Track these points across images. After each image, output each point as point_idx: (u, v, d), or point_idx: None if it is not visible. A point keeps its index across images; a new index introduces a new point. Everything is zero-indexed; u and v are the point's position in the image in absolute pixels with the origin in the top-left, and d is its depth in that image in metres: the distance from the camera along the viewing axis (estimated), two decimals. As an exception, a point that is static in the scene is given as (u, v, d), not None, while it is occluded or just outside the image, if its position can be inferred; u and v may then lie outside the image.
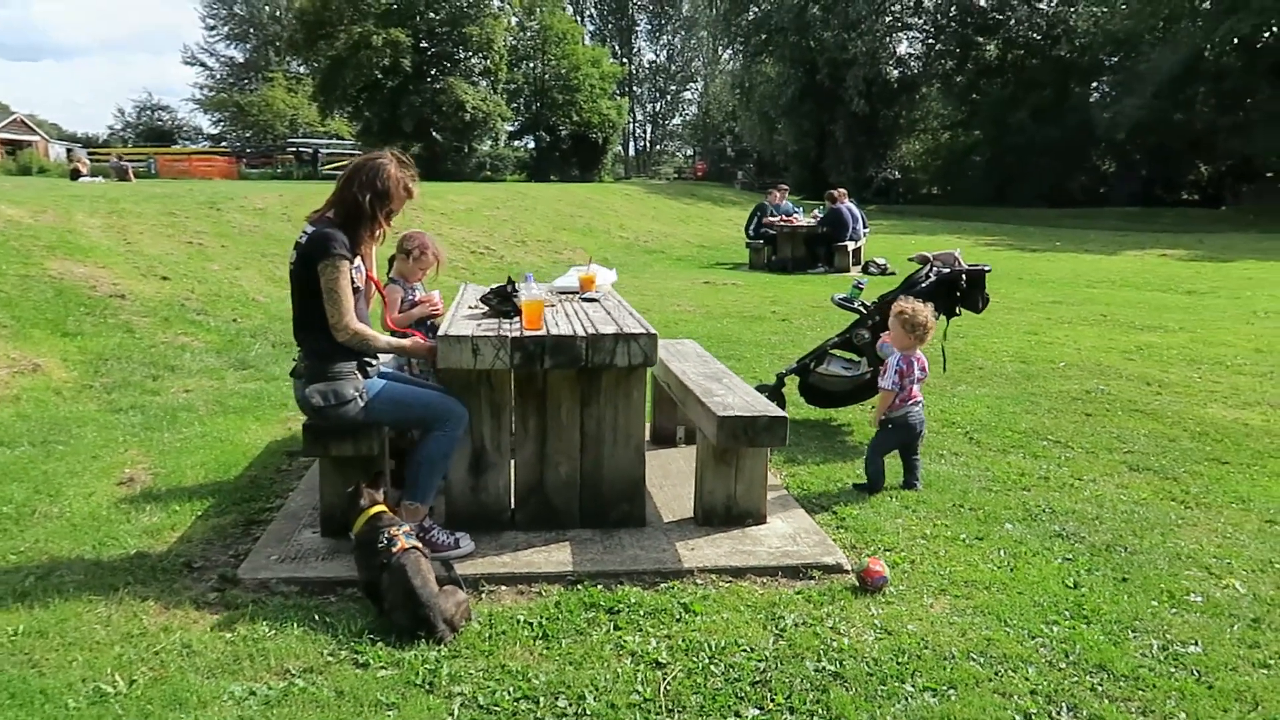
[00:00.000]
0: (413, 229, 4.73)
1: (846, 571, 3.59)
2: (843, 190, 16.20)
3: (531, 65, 44.86)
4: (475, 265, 13.45)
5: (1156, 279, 15.21)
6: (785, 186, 17.86)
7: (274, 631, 2.99)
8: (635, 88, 65.79)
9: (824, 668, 2.86)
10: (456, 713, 2.59)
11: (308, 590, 3.35)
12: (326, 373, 3.49)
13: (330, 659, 2.85)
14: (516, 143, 48.27)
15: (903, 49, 38.78)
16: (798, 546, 3.75)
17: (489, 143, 44.92)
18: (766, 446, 3.77)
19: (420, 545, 3.18)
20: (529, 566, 3.54)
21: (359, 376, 3.53)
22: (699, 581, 3.49)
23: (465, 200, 17.76)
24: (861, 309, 5.69)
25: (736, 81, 46.27)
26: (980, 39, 36.47)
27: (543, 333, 3.62)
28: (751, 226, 16.60)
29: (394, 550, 3.10)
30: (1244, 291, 13.46)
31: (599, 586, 3.40)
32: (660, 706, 2.63)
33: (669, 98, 71.62)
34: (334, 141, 49.17)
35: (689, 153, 72.37)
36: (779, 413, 3.76)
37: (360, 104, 40.38)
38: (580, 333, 3.63)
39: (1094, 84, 35.89)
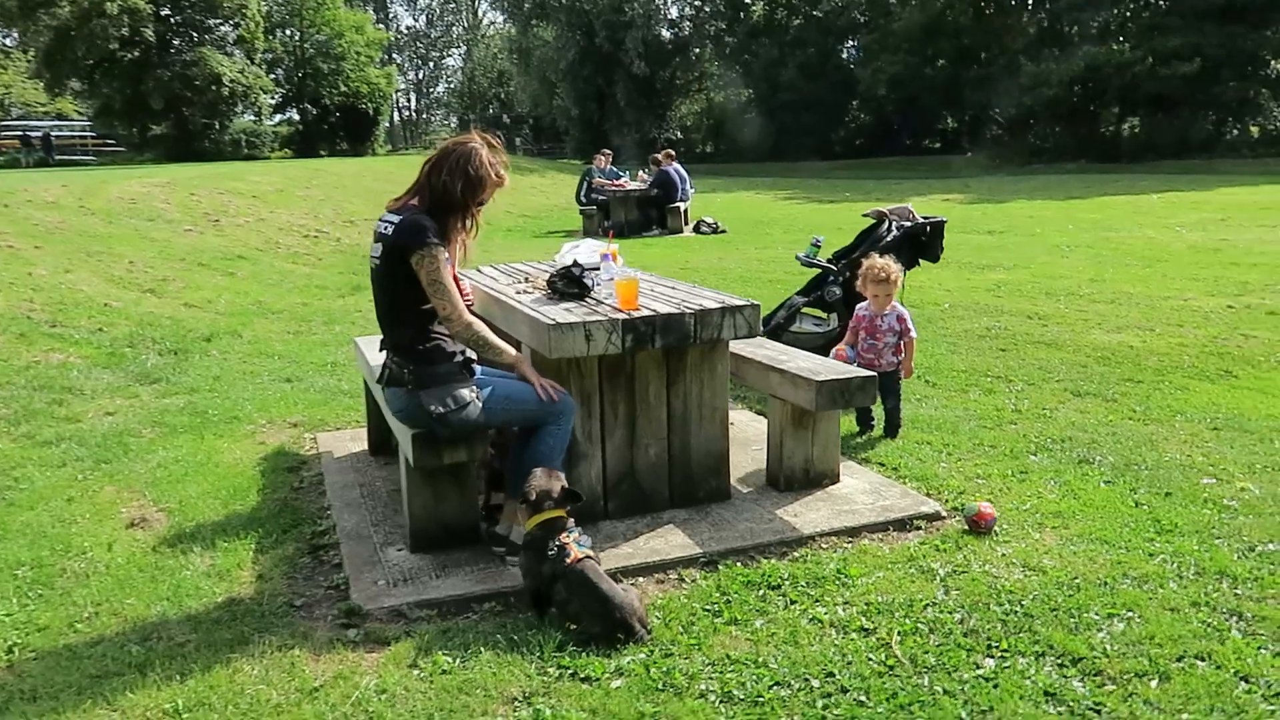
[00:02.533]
0: None
1: (944, 518, 3.76)
2: (669, 152, 16.47)
3: (289, 33, 42.00)
4: (316, 249, 12.59)
5: (956, 222, 16.57)
6: (608, 151, 17.92)
7: (461, 661, 2.76)
8: (395, 55, 63.19)
9: (1010, 609, 3.00)
10: (730, 712, 2.51)
11: (446, 612, 3.10)
12: (436, 376, 3.22)
13: (548, 678, 2.67)
14: (279, 116, 45.17)
15: (674, 11, 39.70)
16: (887, 501, 3.88)
17: (249, 118, 41.69)
18: (860, 406, 3.86)
19: (592, 553, 3.02)
20: (655, 554, 3.45)
21: (467, 375, 3.28)
22: (824, 546, 3.54)
23: (269, 180, 16.53)
24: (830, 266, 5.89)
25: (512, 46, 45.53)
26: (748, 1, 37.93)
27: (652, 312, 3.50)
28: (582, 192, 16.56)
29: (566, 561, 2.92)
30: (1034, 229, 14.93)
31: (737, 564, 3.37)
32: (908, 670, 2.68)
33: (431, 64, 69.47)
34: (63, 124, 44.05)
35: (455, 122, 70.62)
36: (869, 373, 3.86)
37: (95, 80, 36.27)
38: (687, 309, 3.54)
39: (851, 42, 38.35)
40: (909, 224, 5.80)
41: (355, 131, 44.04)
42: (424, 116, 71.56)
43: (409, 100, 70.04)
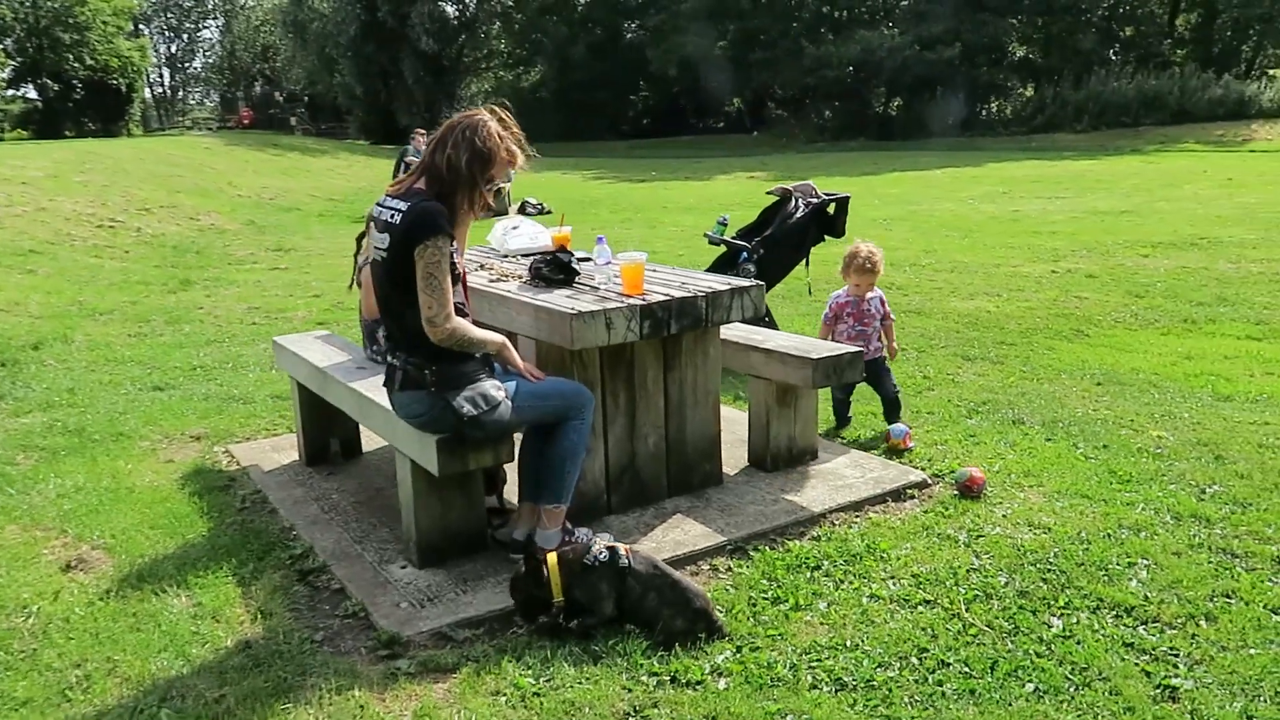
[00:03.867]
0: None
1: (930, 484, 3.88)
2: (490, 132, 16.02)
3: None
4: (117, 241, 11.31)
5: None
6: (423, 131, 17.18)
7: (544, 680, 2.56)
8: (143, 26, 57.64)
9: (1045, 568, 3.14)
10: (851, 700, 2.47)
11: (492, 629, 2.88)
12: (462, 376, 2.95)
13: (648, 688, 2.53)
14: (11, 92, 40.05)
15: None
16: (874, 473, 3.96)
17: (-25, 94, 36.74)
18: (851, 381, 3.90)
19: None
20: (681, 546, 3.35)
21: (489, 371, 3.03)
22: (835, 522, 3.57)
23: (38, 165, 14.68)
24: (743, 244, 5.91)
25: (285, 18, 42.65)
26: (534, -24, 37.52)
27: (667, 297, 3.37)
28: (400, 174, 15.84)
29: (620, 563, 2.77)
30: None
31: (765, 548, 3.34)
32: (991, 637, 2.74)
33: (185, 37, 63.93)
34: None
35: (217, 99, 65.51)
36: (857, 348, 3.91)
37: None
38: (699, 292, 3.44)
39: (638, 21, 38.78)
40: (816, 200, 5.92)
41: (105, 110, 39.85)
42: (180, 94, 65.95)
43: (161, 76, 64.24)
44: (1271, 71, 32.42)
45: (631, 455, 3.63)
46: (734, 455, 4.14)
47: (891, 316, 4.63)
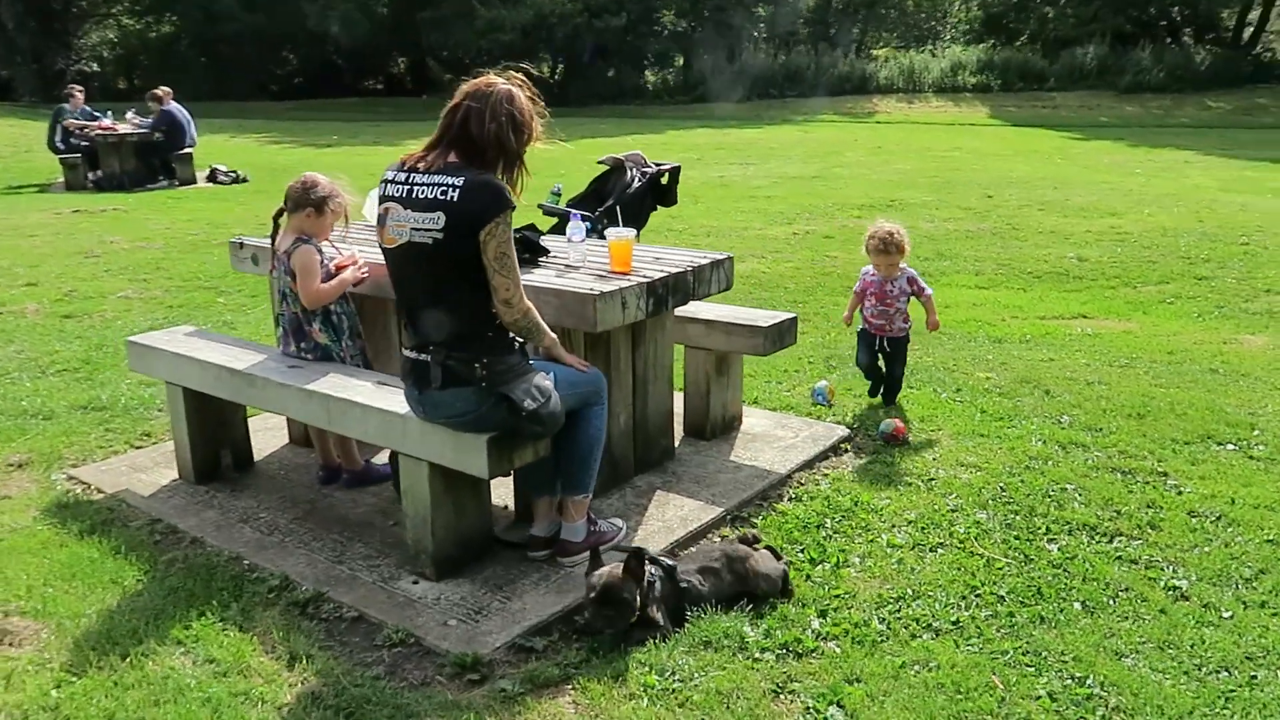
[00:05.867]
0: (306, 172, 3.46)
1: (854, 437, 4.18)
2: (168, 90, 14.20)
3: None
4: None
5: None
6: (80, 88, 14.79)
7: (672, 676, 2.49)
8: None
9: (1004, 501, 3.54)
10: (956, 643, 2.65)
11: (565, 634, 2.73)
12: (510, 369, 2.72)
13: (770, 664, 2.55)
14: None
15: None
16: (805, 431, 4.19)
17: None
18: (789, 345, 4.06)
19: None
20: (687, 522, 3.36)
21: (528, 362, 2.82)
22: (801, 482, 3.75)
23: None
24: (586, 214, 5.84)
25: None
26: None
27: (665, 273, 3.30)
28: (57, 138, 13.59)
29: (680, 584, 2.76)
30: (564, 171, 15.98)
31: (759, 514, 3.45)
32: (1015, 568, 3.06)
33: None
34: None
35: None
36: (791, 314, 4.08)
37: None
38: (688, 266, 3.40)
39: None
40: (650, 170, 6.00)
41: None
42: None
43: None
44: (875, 52, 37.19)
45: (608, 436, 3.54)
46: (667, 427, 4.18)
47: (928, 291, 4.47)
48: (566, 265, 3.44)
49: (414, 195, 2.66)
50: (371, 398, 3.00)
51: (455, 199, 2.60)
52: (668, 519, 3.38)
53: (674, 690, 2.43)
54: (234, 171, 14.24)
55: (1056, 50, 28.43)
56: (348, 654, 2.61)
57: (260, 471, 3.83)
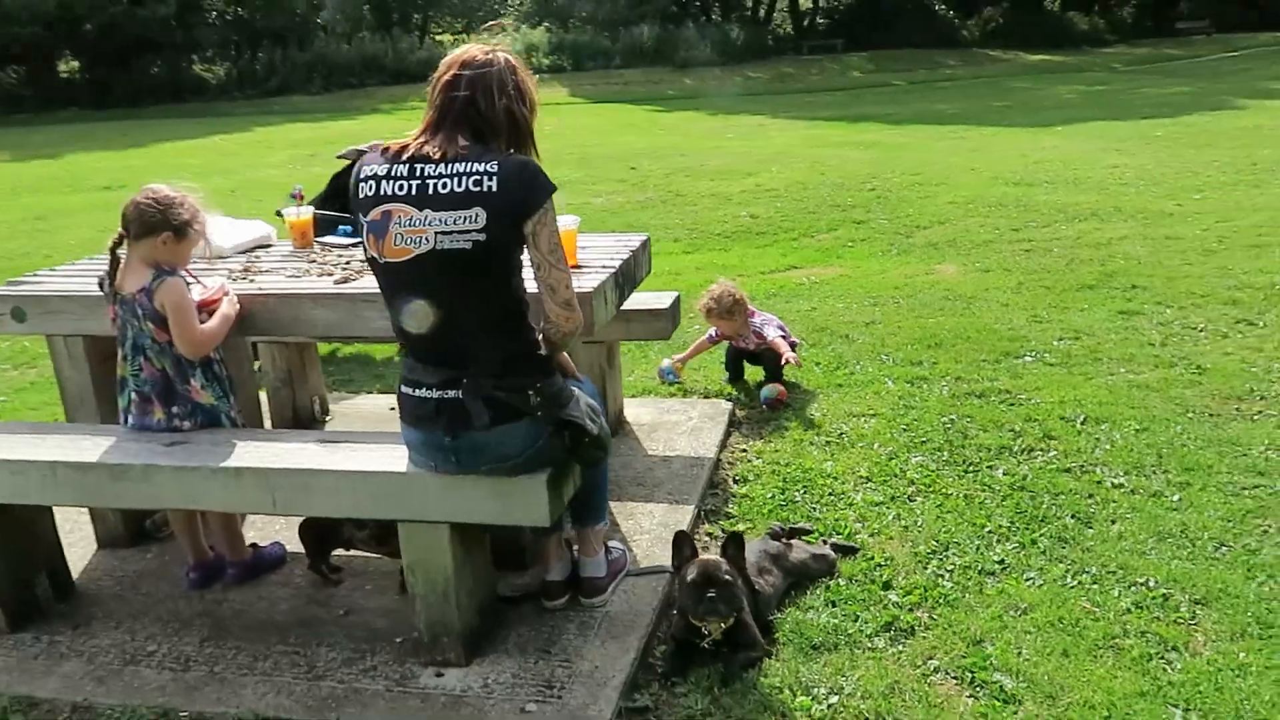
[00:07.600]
0: (152, 185, 2.50)
1: (735, 408, 4.12)
2: None
3: None
4: None
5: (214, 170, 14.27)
6: None
7: (820, 694, 2.26)
8: None
9: (929, 440, 3.68)
10: (1016, 581, 2.70)
11: (666, 682, 2.37)
12: (560, 390, 2.26)
13: (896, 659, 2.42)
14: None
15: None
16: (694, 410, 4.04)
17: None
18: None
19: None
20: (670, 530, 3.06)
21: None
22: (731, 462, 3.63)
23: None
24: (337, 217, 5.06)
25: None
26: None
27: (621, 260, 2.93)
28: None
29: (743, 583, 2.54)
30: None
31: (722, 503, 3.28)
32: (1004, 497, 3.19)
33: None
34: None
35: None
36: (673, 294, 3.86)
37: None
38: (629, 253, 3.05)
39: None
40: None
41: None
42: None
43: None
44: (439, 37, 37.11)
45: (554, 454, 3.14)
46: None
47: (794, 340, 4.37)
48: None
49: (432, 191, 2.10)
50: (346, 461, 2.34)
51: (494, 189, 2.08)
52: (649, 528, 3.07)
53: (836, 705, 2.21)
54: None
55: (616, 30, 30.30)
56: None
57: (91, 596, 2.85)
